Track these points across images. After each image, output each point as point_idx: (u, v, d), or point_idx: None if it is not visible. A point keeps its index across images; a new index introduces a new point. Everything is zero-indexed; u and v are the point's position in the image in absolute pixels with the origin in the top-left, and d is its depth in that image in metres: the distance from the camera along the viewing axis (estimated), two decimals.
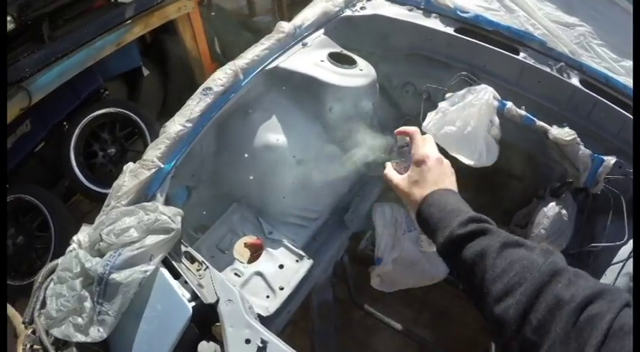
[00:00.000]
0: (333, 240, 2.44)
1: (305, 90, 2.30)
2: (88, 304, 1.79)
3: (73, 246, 1.92)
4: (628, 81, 2.80)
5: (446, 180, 1.27)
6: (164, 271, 1.81)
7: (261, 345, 1.64)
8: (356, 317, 3.07)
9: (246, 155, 2.22)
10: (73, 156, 3.60)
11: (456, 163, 2.40)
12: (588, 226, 2.59)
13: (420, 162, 1.27)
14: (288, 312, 2.23)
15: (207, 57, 4.17)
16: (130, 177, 1.99)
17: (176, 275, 1.82)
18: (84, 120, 3.62)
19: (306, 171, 2.28)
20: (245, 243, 2.19)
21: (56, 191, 3.84)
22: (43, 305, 1.90)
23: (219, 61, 4.10)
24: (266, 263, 2.14)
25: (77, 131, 3.61)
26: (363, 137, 2.02)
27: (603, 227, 2.48)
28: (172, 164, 2.02)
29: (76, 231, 1.98)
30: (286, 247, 2.19)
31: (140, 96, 4.13)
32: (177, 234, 1.86)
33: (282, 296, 2.05)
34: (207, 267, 1.84)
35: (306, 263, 2.15)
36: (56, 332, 1.82)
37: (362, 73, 2.37)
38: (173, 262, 1.85)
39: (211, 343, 1.75)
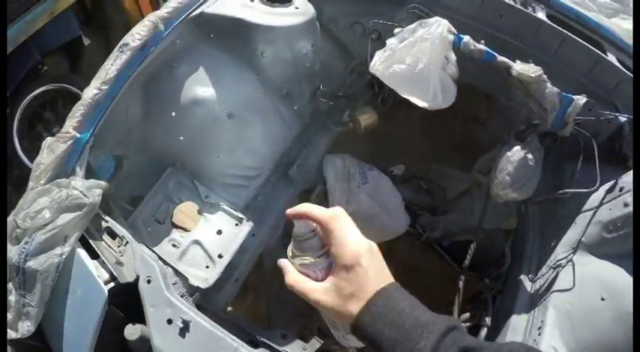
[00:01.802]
0: (278, 199, 2.29)
1: (234, 36, 2.11)
2: (12, 297, 1.67)
3: None
4: (600, 18, 2.66)
5: (384, 274, 1.02)
6: (81, 252, 1.65)
7: (182, 326, 1.50)
8: None
9: (173, 113, 2.04)
10: (17, 141, 3.35)
11: (410, 106, 2.24)
12: (556, 173, 2.43)
13: (350, 267, 0.98)
14: (236, 281, 2.10)
15: None
16: (48, 152, 1.80)
17: (95, 254, 1.66)
18: (24, 101, 3.36)
19: (239, 125, 2.10)
20: (182, 212, 2.03)
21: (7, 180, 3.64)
22: None
23: None
24: (204, 230, 1.99)
25: (18, 113, 3.35)
26: None
27: (572, 173, 2.30)
28: (90, 132, 1.82)
29: None
30: (224, 211, 2.03)
31: (83, 68, 3.91)
32: (92, 209, 1.68)
33: (222, 264, 1.90)
34: (128, 242, 1.67)
35: (246, 226, 1.99)
36: None
37: (297, 12, 2.14)
38: (91, 241, 1.69)
39: (137, 325, 1.60)
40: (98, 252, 1.66)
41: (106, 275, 1.61)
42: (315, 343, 1.98)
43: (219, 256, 1.91)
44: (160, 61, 2.04)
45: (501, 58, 2.18)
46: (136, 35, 1.93)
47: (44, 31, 3.40)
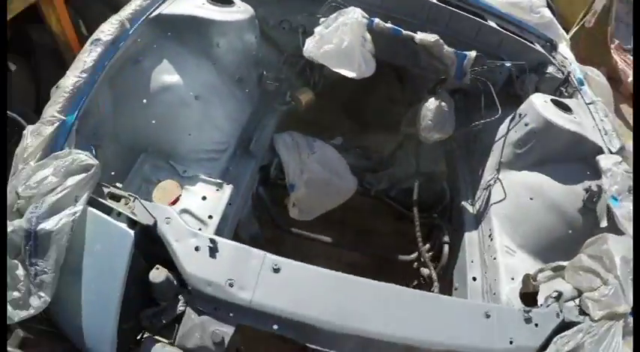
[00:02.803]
0: (244, 171, 2.50)
1: (191, 32, 2.37)
2: (20, 272, 1.66)
3: None
4: None
5: None
6: (94, 209, 1.74)
7: (211, 245, 1.68)
8: (286, 252, 3.12)
9: (144, 101, 2.21)
10: None
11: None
12: (468, 119, 2.91)
13: None
14: None
15: (75, 40, 3.94)
16: (33, 137, 1.88)
17: (106, 211, 1.76)
18: None
19: (205, 105, 2.33)
20: (162, 189, 2.17)
21: None
22: None
23: None
24: (188, 199, 2.15)
25: None
26: None
27: (480, 117, 2.78)
28: (75, 115, 1.95)
29: None
30: (204, 180, 2.22)
31: (10, 94, 3.82)
32: (98, 170, 1.78)
33: (214, 223, 2.08)
34: (136, 198, 1.81)
35: (227, 188, 2.20)
36: None
37: (241, 9, 2.51)
38: (100, 199, 1.79)
39: (161, 268, 1.72)
40: (111, 206, 1.76)
41: (124, 224, 1.71)
42: None
43: (210, 217, 2.09)
44: (124, 57, 2.22)
45: (406, 32, 2.68)
46: (106, 31, 2.13)
47: None
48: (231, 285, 1.65)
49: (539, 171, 2.55)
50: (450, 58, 2.66)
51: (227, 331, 1.66)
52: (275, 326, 1.67)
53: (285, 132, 2.77)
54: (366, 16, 2.63)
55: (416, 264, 2.77)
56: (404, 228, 3.05)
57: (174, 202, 2.13)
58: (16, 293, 1.66)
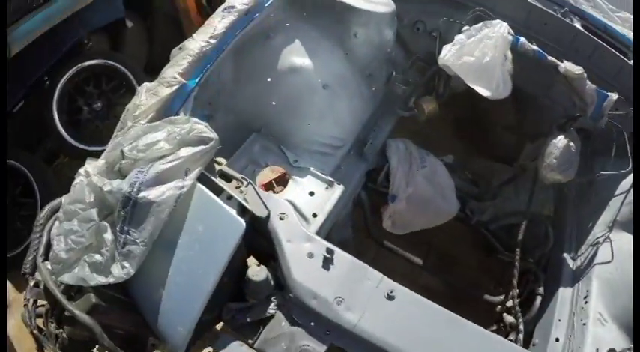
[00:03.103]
0: (355, 171, 2.27)
1: (329, 16, 2.16)
2: (108, 236, 1.48)
3: (80, 178, 1.59)
4: (624, 30, 2.86)
5: None
6: (203, 187, 1.54)
7: (327, 256, 1.45)
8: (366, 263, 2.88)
9: (268, 79, 2.01)
10: (57, 114, 3.12)
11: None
12: (588, 164, 2.56)
13: None
14: None
15: (195, 9, 3.83)
16: (148, 95, 1.72)
17: (216, 191, 1.56)
18: (67, 74, 3.14)
19: (332, 96, 2.10)
20: (269, 173, 1.94)
21: (38, 154, 3.38)
22: (47, 250, 1.58)
23: (206, 12, 3.75)
24: (295, 191, 1.91)
25: (60, 86, 3.13)
26: None
27: (602, 165, 2.45)
28: (196, 81, 1.77)
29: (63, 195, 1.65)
30: (314, 175, 1.98)
31: (124, 50, 3.71)
32: (216, 144, 1.59)
33: (317, 223, 1.83)
34: (249, 183, 1.59)
35: (338, 188, 1.95)
36: (67, 277, 1.49)
37: (384, 2, 2.28)
38: (211, 177, 1.59)
39: (262, 267, 1.51)
40: (223, 187, 1.56)
41: (234, 211, 1.50)
42: None
43: (314, 215, 1.85)
44: (255, 31, 2.02)
45: (550, 58, 2.35)
46: (241, 0, 1.93)
47: (91, 9, 3.22)
48: (339, 303, 1.43)
49: None
50: (591, 96, 2.32)
51: (318, 349, 1.45)
52: None
53: (399, 139, 2.50)
54: (512, 32, 2.33)
55: (499, 307, 2.46)
56: (490, 265, 2.76)
57: (265, 186, 1.88)
58: (98, 257, 1.49)
